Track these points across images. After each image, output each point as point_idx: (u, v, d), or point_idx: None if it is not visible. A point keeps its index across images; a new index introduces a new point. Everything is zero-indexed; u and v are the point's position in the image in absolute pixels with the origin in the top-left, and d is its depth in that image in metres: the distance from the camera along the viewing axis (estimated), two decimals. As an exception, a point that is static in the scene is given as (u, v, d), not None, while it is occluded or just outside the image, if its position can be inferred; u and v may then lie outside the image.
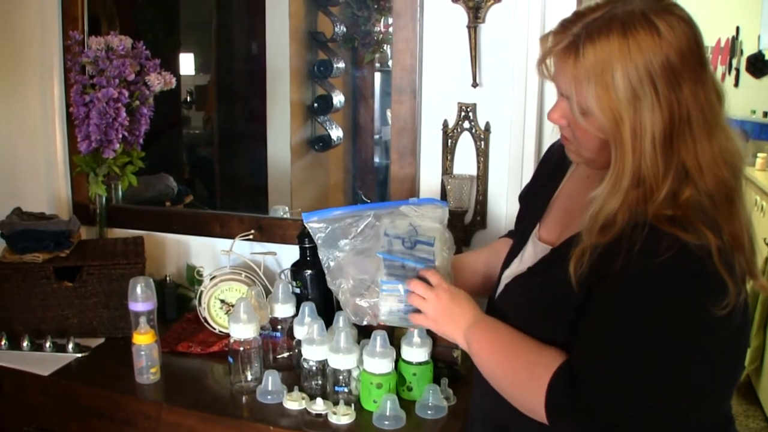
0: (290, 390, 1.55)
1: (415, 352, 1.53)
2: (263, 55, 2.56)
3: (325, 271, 1.47)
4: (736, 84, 5.07)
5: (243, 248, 2.02)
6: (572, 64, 1.05)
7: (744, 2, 5.06)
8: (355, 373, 1.53)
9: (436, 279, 1.30)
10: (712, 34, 5.03)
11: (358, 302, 1.42)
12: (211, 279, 1.89)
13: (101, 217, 2.19)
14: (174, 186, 2.48)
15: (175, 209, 2.40)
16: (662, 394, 1.02)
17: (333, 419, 1.47)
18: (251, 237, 2.01)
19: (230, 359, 1.60)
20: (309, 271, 1.79)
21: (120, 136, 2.03)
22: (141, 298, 1.68)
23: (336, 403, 1.49)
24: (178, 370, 1.73)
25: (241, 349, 1.58)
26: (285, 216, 2.29)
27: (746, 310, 1.10)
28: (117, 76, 1.99)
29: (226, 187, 2.72)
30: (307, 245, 1.79)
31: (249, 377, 1.60)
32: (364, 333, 1.60)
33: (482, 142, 1.85)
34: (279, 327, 1.72)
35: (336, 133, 2.64)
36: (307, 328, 1.61)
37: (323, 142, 2.64)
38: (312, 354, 1.55)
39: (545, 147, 1.73)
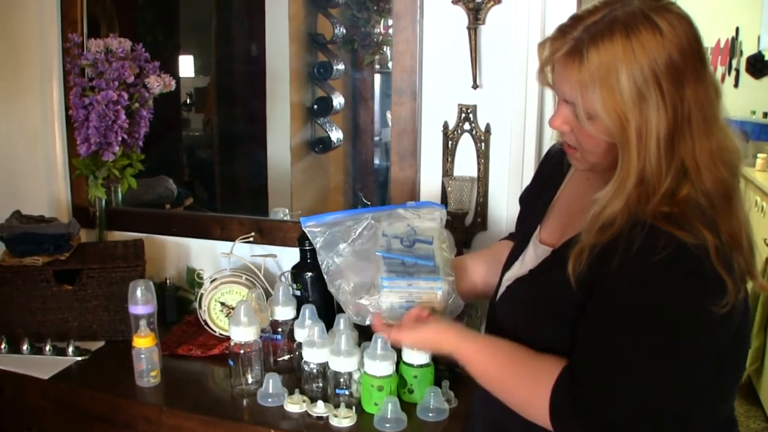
0: (291, 393, 1.54)
1: (416, 354, 1.53)
2: (263, 57, 2.55)
3: (325, 276, 1.47)
4: (736, 85, 5.07)
5: (243, 251, 2.01)
6: (577, 68, 1.04)
7: (744, 3, 5.06)
8: (356, 376, 1.53)
9: (414, 335, 1.32)
10: (712, 34, 5.03)
11: (359, 302, 1.42)
12: (212, 282, 1.89)
13: (101, 220, 2.18)
14: (174, 188, 2.48)
15: (175, 212, 2.40)
16: (663, 394, 1.01)
17: (334, 422, 1.46)
18: (251, 239, 2.00)
19: (231, 362, 1.60)
20: (309, 274, 1.79)
21: (119, 138, 2.02)
22: (141, 301, 1.67)
23: (337, 406, 1.49)
24: (178, 373, 1.73)
25: (242, 351, 1.58)
26: (285, 218, 2.28)
27: (746, 309, 1.10)
28: (116, 79, 1.99)
29: (226, 190, 2.72)
30: (307, 247, 1.79)
31: (249, 380, 1.60)
32: (364, 335, 1.59)
33: (483, 144, 1.85)
34: (279, 330, 1.71)
35: (336, 134, 2.64)
36: (307, 330, 1.60)
37: (323, 144, 2.64)
38: (313, 356, 1.55)
39: (546, 148, 1.73)
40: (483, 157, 1.86)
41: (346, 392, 1.52)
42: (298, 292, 1.79)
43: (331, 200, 2.76)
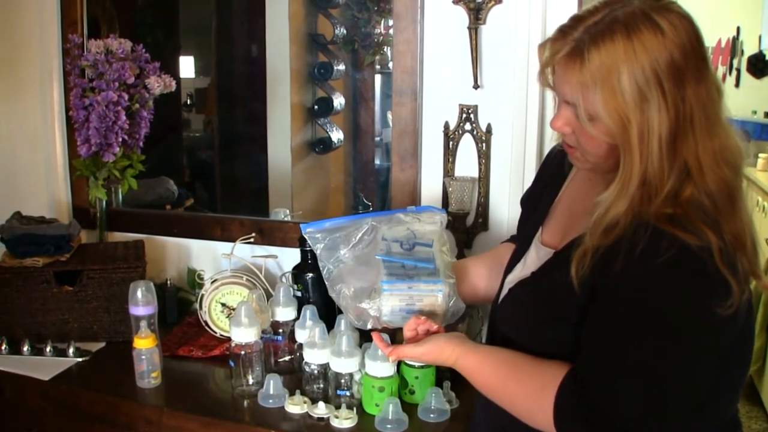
0: (292, 394, 1.54)
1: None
2: (263, 58, 2.55)
3: (326, 281, 1.47)
4: (737, 84, 5.07)
5: (244, 251, 2.01)
6: (578, 69, 1.04)
7: (744, 2, 5.06)
8: (357, 377, 1.52)
9: (414, 352, 1.31)
10: (713, 34, 5.02)
11: (360, 306, 1.41)
12: (212, 282, 1.89)
13: (101, 221, 2.18)
14: (174, 189, 2.47)
15: (176, 212, 2.40)
16: (667, 395, 1.01)
17: (335, 423, 1.46)
18: (252, 240, 2.00)
19: (231, 363, 1.60)
20: (310, 275, 1.78)
21: (120, 139, 2.02)
22: (141, 302, 1.67)
23: (338, 407, 1.49)
24: (179, 374, 1.72)
25: (243, 352, 1.58)
26: (286, 219, 2.28)
27: (750, 310, 1.09)
28: (117, 80, 1.99)
29: (226, 190, 2.72)
30: (308, 248, 1.78)
31: (250, 381, 1.59)
32: (365, 336, 1.59)
33: (484, 144, 1.85)
34: (280, 330, 1.71)
35: (337, 135, 2.64)
36: (308, 331, 1.60)
37: (324, 145, 2.64)
38: (313, 357, 1.54)
39: (547, 148, 1.72)
40: (484, 157, 1.85)
41: (347, 393, 1.52)
42: (298, 293, 1.79)
43: (331, 201, 2.76)
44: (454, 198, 1.85)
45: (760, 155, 4.38)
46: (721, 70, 5.09)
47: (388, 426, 1.44)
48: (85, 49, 2.06)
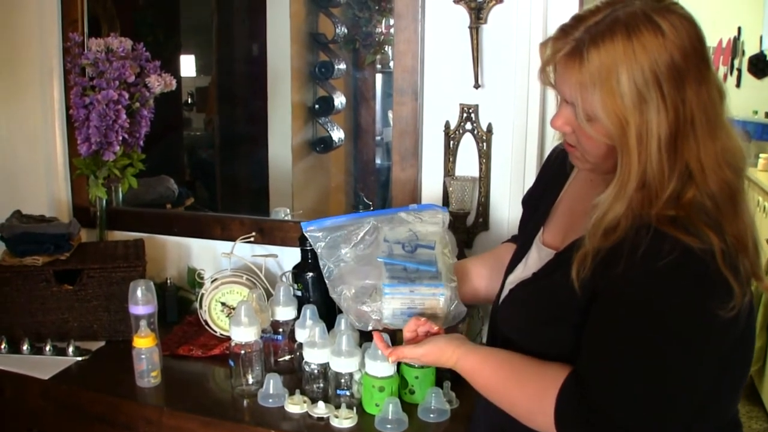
0: (292, 393, 1.54)
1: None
2: (264, 57, 2.55)
3: (327, 281, 1.47)
4: (738, 85, 5.06)
5: (244, 251, 2.01)
6: (577, 69, 1.03)
7: (746, 2, 5.05)
8: (357, 377, 1.52)
9: (414, 353, 1.30)
10: (714, 34, 5.02)
11: (361, 308, 1.41)
12: (212, 282, 1.88)
13: (101, 220, 2.18)
14: (175, 188, 2.47)
15: (176, 212, 2.40)
16: (668, 397, 1.01)
17: (335, 423, 1.46)
18: (252, 239, 2.00)
19: (231, 363, 1.60)
20: (310, 274, 1.78)
21: (120, 138, 2.02)
22: (141, 301, 1.67)
23: (338, 407, 1.48)
24: (178, 373, 1.72)
25: (243, 352, 1.58)
26: (286, 218, 2.28)
27: (751, 311, 1.09)
28: (117, 78, 1.99)
29: (227, 190, 2.72)
30: (308, 248, 1.78)
31: (250, 381, 1.59)
32: (365, 336, 1.59)
33: (484, 144, 1.84)
34: (280, 330, 1.71)
35: (337, 134, 2.63)
36: (308, 331, 1.60)
37: (324, 144, 2.64)
38: (313, 357, 1.54)
39: (548, 148, 1.73)
40: (485, 157, 1.85)
41: (347, 393, 1.52)
42: (299, 293, 1.79)
43: (332, 200, 2.76)
44: (454, 197, 1.85)
45: (761, 155, 4.37)
46: (722, 70, 5.08)
47: (388, 426, 1.43)
48: (85, 48, 2.06)
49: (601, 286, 1.04)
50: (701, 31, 1.04)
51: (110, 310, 1.87)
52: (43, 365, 1.73)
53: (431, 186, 1.92)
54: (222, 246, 2.04)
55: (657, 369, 1.00)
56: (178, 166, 2.71)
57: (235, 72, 2.75)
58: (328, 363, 1.53)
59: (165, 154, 2.57)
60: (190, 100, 2.70)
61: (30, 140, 2.28)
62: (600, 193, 1.08)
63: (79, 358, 1.78)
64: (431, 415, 1.48)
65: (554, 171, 1.36)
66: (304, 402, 1.52)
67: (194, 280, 2.07)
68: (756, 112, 4.80)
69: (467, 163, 1.88)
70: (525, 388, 1.13)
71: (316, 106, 2.61)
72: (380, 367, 1.47)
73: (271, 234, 2.05)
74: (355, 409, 1.49)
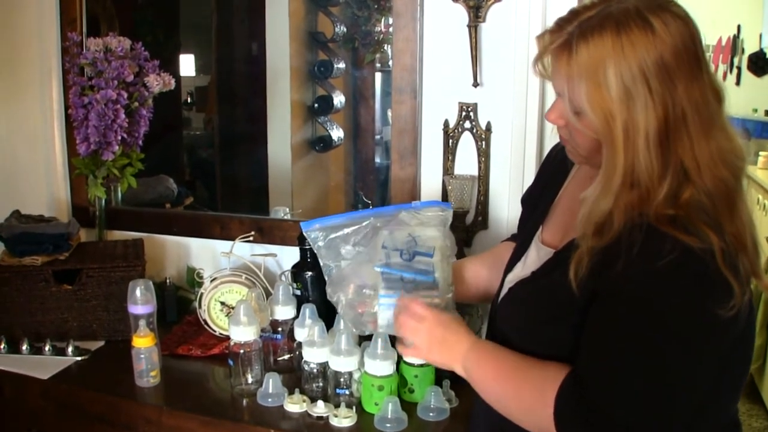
0: (291, 392, 1.54)
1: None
2: (263, 56, 2.55)
3: (326, 277, 1.46)
4: (738, 83, 5.06)
5: (243, 250, 2.01)
6: (566, 62, 1.04)
7: (745, 1, 5.05)
8: (356, 376, 1.52)
9: (423, 311, 1.29)
10: (714, 32, 5.02)
11: (357, 314, 1.42)
12: (212, 281, 1.88)
13: (101, 220, 2.18)
14: (174, 188, 2.47)
15: (175, 211, 2.40)
16: (668, 397, 1.00)
17: (334, 422, 1.46)
18: (251, 239, 2.00)
19: (230, 362, 1.59)
20: (309, 273, 1.78)
21: (119, 137, 2.02)
22: (141, 301, 1.67)
23: (337, 406, 1.48)
24: (178, 373, 1.72)
25: (242, 351, 1.57)
26: (285, 217, 2.28)
27: (751, 310, 1.09)
28: (116, 78, 1.99)
29: (226, 189, 2.71)
30: (307, 247, 1.78)
31: (249, 380, 1.59)
32: (365, 335, 1.59)
33: (483, 142, 1.84)
34: (279, 329, 1.71)
35: (337, 133, 2.63)
36: (307, 330, 1.60)
37: (324, 143, 2.64)
38: (313, 356, 1.54)
39: (547, 146, 1.73)
40: (484, 155, 1.85)
41: (347, 392, 1.52)
42: (298, 292, 1.79)
43: (331, 199, 2.76)
44: (453, 196, 1.85)
45: (761, 153, 4.37)
46: (721, 68, 5.08)
47: (388, 425, 1.43)
48: (84, 48, 2.06)
49: (601, 286, 1.04)
50: (696, 31, 1.04)
51: (109, 310, 1.87)
52: (43, 365, 1.73)
53: (430, 184, 1.92)
54: (221, 245, 2.04)
55: (657, 368, 1.00)
56: (177, 165, 2.71)
57: (235, 71, 2.75)
58: (327, 362, 1.53)
59: (164, 154, 2.57)
60: (189, 100, 2.70)
61: (29, 140, 2.28)
62: None
63: (79, 358, 1.78)
64: (431, 414, 1.48)
65: (553, 169, 1.36)
66: (304, 401, 1.52)
67: (193, 279, 2.07)
68: (756, 110, 4.81)
69: (466, 162, 1.88)
70: (523, 387, 1.13)
71: (316, 105, 2.61)
72: (379, 365, 1.47)
73: (270, 233, 2.05)
74: (354, 408, 1.49)
